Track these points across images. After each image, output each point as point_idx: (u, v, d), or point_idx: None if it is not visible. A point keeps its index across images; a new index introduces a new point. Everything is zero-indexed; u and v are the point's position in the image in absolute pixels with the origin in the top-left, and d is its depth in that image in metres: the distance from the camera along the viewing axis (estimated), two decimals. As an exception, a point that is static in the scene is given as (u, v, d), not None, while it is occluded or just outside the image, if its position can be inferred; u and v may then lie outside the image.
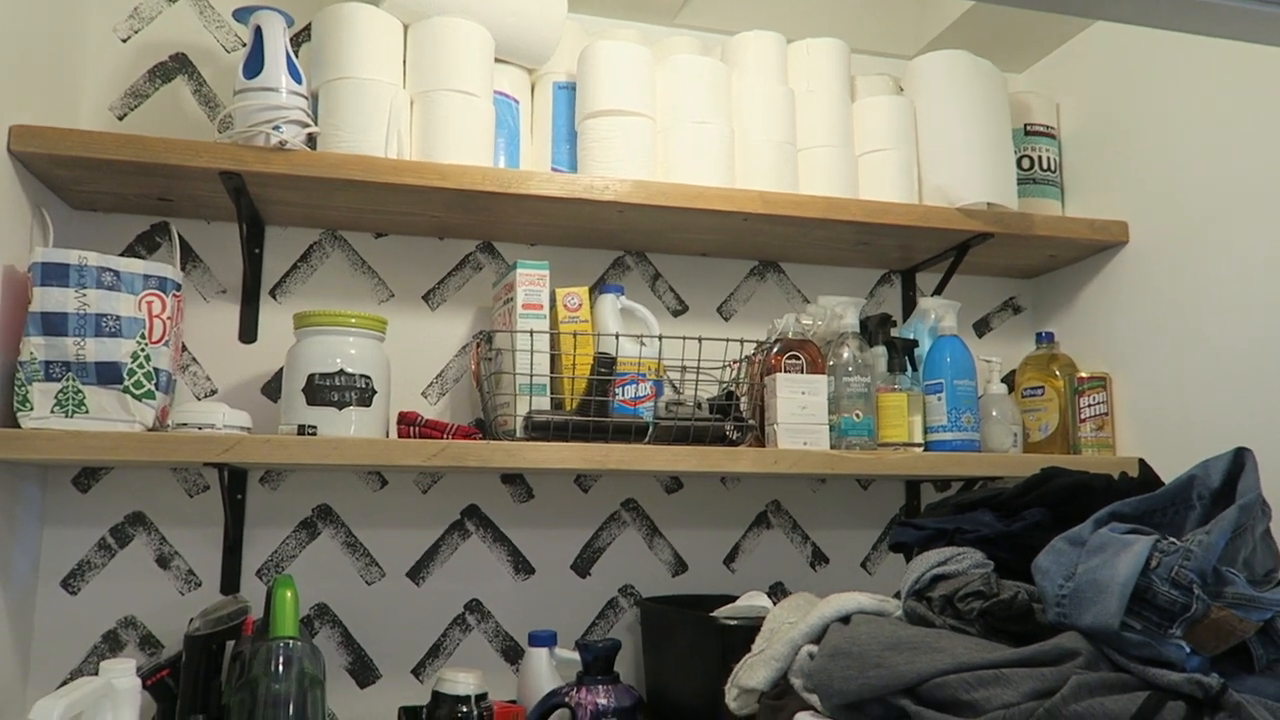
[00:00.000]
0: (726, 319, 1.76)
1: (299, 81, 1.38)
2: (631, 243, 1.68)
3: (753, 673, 1.13)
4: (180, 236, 1.54)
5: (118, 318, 1.27)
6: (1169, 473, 1.12)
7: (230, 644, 1.29)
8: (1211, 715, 0.92)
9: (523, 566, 1.61)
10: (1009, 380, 1.78)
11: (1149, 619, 0.96)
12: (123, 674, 1.09)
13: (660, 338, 1.47)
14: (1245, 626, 0.95)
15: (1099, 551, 1.00)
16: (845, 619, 1.11)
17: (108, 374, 1.26)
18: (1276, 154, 1.38)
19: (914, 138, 1.68)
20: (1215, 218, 1.48)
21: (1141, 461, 1.25)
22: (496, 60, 1.54)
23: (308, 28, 1.60)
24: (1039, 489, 1.16)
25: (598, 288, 1.59)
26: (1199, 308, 1.50)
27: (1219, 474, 1.08)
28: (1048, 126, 1.81)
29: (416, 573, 1.56)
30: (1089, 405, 1.64)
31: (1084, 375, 1.66)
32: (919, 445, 1.55)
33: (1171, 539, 1.00)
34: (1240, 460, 1.08)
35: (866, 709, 1.00)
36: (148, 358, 1.28)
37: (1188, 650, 0.95)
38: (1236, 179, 1.44)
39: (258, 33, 1.37)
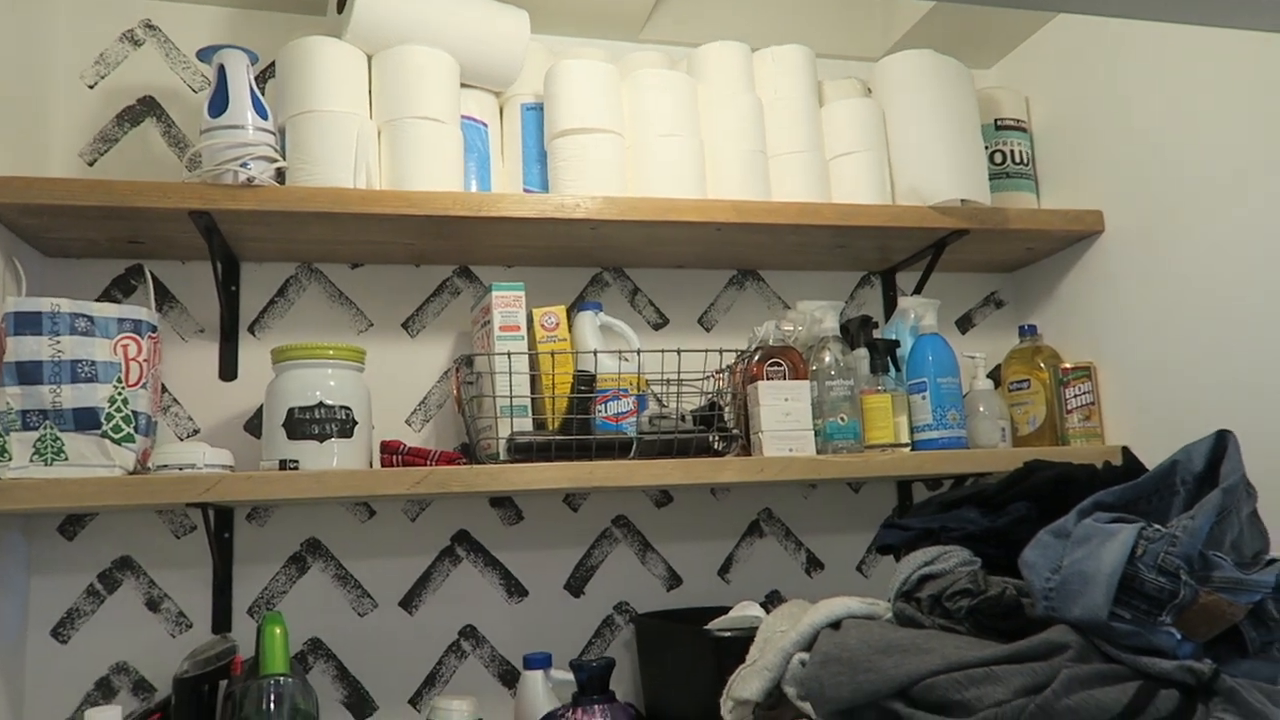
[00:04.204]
0: (708, 329, 1.76)
1: (265, 117, 1.38)
2: (608, 259, 1.68)
3: (746, 684, 1.12)
4: (155, 278, 1.54)
5: (93, 363, 1.27)
6: (1158, 458, 1.11)
7: (223, 684, 1.28)
8: (1205, 701, 0.91)
9: (516, 589, 1.60)
10: (995, 375, 1.77)
11: (1138, 608, 0.95)
12: (109, 721, 1.08)
13: (639, 352, 1.46)
14: (1235, 610, 0.94)
15: (1084, 542, 1.00)
16: (835, 624, 1.10)
17: (85, 420, 1.25)
18: (1245, 136, 1.38)
19: (884, 139, 1.69)
20: (1188, 202, 1.48)
21: (1125, 449, 1.24)
22: (462, 85, 1.55)
23: (272, 64, 1.60)
24: (1022, 483, 1.15)
25: (576, 305, 1.59)
26: (1177, 292, 1.50)
27: (1202, 458, 1.08)
28: (1018, 120, 1.81)
29: (409, 602, 1.55)
30: (1075, 396, 1.64)
31: (1068, 366, 1.66)
32: (905, 445, 1.54)
33: (1156, 526, 0.99)
34: (1223, 443, 1.07)
35: (859, 714, 0.99)
36: (125, 401, 1.28)
37: (1178, 637, 0.95)
38: (1207, 163, 1.44)
39: (221, 71, 1.37)
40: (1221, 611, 0.94)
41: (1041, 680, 0.91)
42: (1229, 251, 1.40)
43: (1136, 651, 0.94)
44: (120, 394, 1.28)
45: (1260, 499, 1.07)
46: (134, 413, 1.29)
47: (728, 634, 1.27)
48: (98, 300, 1.42)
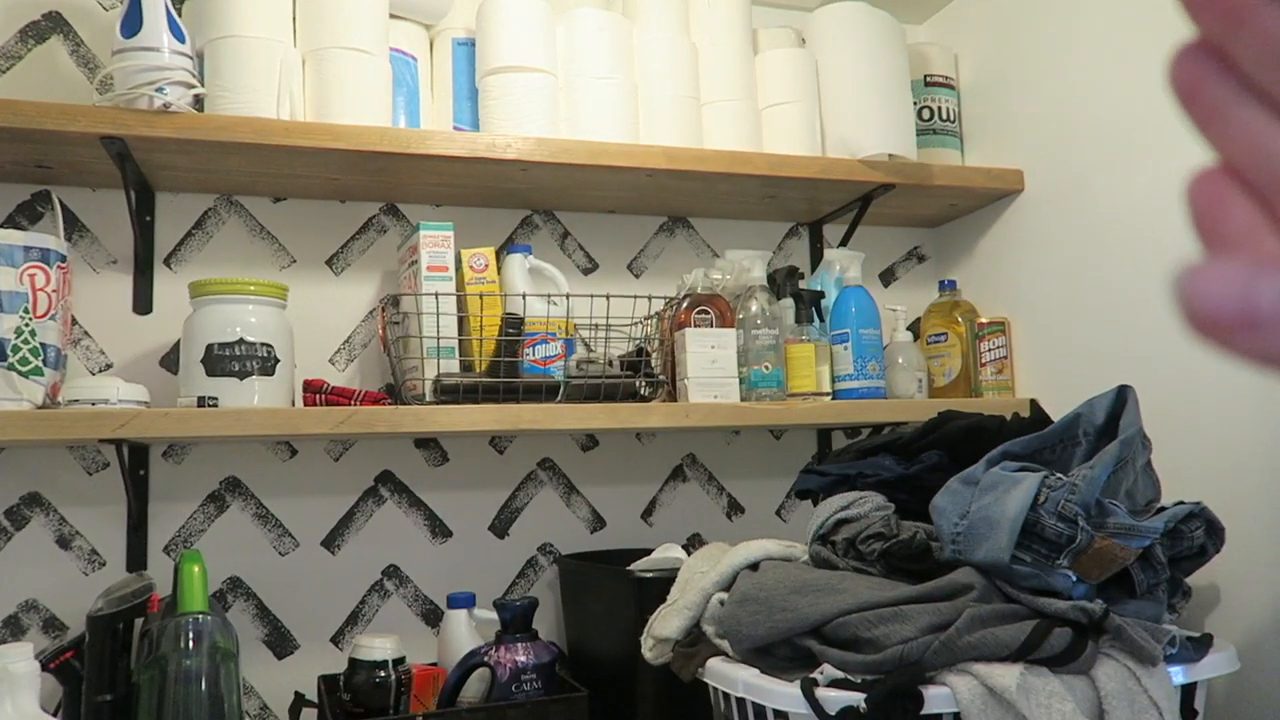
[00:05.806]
0: (637, 276, 1.77)
1: (182, 40, 1.32)
2: (539, 201, 1.67)
3: (666, 622, 1.15)
4: (64, 205, 1.48)
5: (-3, 292, 1.21)
6: (1065, 410, 1.16)
7: (139, 622, 1.26)
8: (1095, 639, 0.97)
9: (440, 530, 1.60)
10: (915, 328, 1.82)
11: (1038, 551, 1.00)
12: (19, 658, 1.06)
13: (568, 296, 1.46)
14: (1126, 554, 1.00)
15: (991, 489, 1.05)
16: (754, 566, 1.14)
17: (-10, 351, 1.20)
18: (1163, 104, 1.43)
19: (816, 90, 1.70)
20: (1105, 164, 1.52)
21: (1033, 402, 1.30)
22: (392, 16, 1.50)
23: (191, -17, 1.53)
24: (936, 432, 1.20)
25: (506, 248, 1.58)
26: (1090, 252, 1.55)
27: (1103, 411, 1.13)
28: (947, 77, 1.84)
29: (331, 541, 1.55)
30: (989, 349, 1.70)
31: (984, 320, 1.71)
32: (827, 394, 1.58)
33: (1059, 474, 1.04)
34: (1123, 397, 1.13)
35: (774, 651, 1.03)
36: (33, 333, 1.23)
37: (1074, 579, 1.00)
38: (1124, 126, 1.49)
39: (135, -12, 1.31)
40: (1114, 555, 0.99)
41: (946, 619, 0.95)
42: (1139, 216, 1.46)
43: (1035, 592, 1.00)
44: (27, 325, 1.23)
45: (1155, 450, 1.13)
46: (42, 345, 1.24)
47: (649, 575, 1.30)
48: (1, 227, 1.35)
